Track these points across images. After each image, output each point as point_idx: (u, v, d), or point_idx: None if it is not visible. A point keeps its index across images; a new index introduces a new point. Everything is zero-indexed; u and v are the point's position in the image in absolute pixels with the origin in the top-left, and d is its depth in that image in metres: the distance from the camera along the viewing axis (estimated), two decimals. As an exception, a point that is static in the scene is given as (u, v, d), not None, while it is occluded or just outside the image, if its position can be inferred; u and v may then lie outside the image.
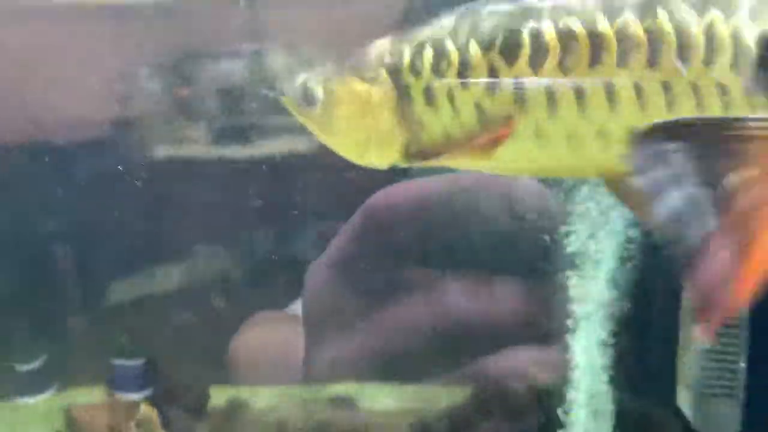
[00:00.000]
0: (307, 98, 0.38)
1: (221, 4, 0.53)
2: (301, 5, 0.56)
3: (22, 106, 0.62)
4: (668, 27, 0.30)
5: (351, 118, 0.37)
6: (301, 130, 0.40)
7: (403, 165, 0.38)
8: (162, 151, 0.66)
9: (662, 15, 0.30)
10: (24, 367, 0.77)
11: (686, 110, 0.30)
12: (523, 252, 0.63)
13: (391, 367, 0.69)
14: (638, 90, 0.31)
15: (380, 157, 0.38)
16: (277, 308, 0.76)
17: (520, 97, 0.33)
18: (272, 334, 0.77)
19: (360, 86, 0.36)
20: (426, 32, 0.35)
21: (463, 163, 0.36)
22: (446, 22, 0.35)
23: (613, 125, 0.32)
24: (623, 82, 0.31)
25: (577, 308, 0.65)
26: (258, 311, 0.75)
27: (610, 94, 0.31)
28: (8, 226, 0.68)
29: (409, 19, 0.55)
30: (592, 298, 0.63)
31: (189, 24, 0.57)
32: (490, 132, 0.34)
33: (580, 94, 0.32)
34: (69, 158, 0.65)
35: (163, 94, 0.65)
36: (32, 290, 0.72)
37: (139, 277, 0.74)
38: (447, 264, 0.66)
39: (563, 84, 0.32)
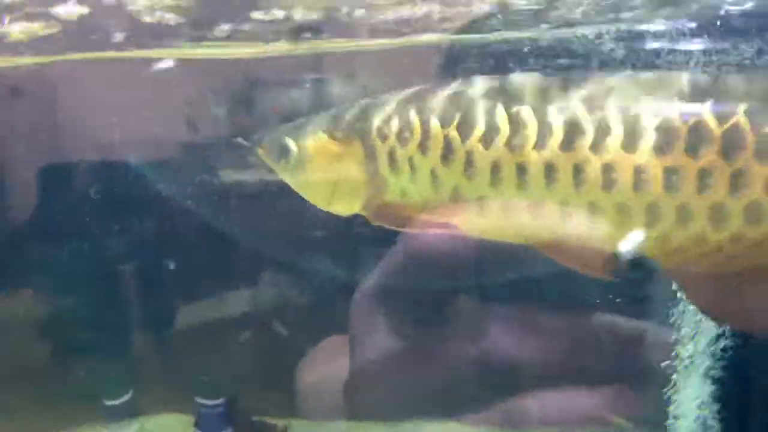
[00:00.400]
0: (282, 151, 0.43)
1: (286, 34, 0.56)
2: (360, 37, 0.58)
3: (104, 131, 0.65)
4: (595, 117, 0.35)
5: (321, 172, 0.42)
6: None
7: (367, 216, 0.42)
8: (227, 177, 0.68)
9: (610, 107, 0.35)
10: (112, 402, 0.78)
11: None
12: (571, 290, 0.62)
13: (434, 400, 0.69)
14: (577, 171, 0.35)
15: (344, 208, 0.43)
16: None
17: (469, 169, 0.37)
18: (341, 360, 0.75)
19: (331, 144, 0.41)
20: (394, 103, 0.40)
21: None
22: (412, 95, 0.40)
23: (548, 199, 0.36)
24: (563, 163, 0.35)
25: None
26: (326, 336, 0.74)
27: (550, 172, 0.36)
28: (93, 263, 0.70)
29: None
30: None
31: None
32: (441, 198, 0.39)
33: (522, 170, 0.36)
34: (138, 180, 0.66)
35: (228, 120, 0.67)
36: (116, 320, 0.74)
37: (210, 306, 0.75)
38: (489, 300, 0.67)
39: (510, 161, 0.36)
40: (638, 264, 0.36)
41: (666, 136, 0.33)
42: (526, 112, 0.36)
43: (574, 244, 0.36)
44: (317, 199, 0.43)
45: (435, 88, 0.40)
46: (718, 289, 0.35)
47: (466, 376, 0.69)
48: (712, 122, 0.32)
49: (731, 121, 0.32)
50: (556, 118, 0.35)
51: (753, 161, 0.32)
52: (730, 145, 0.32)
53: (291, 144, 0.42)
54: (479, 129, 0.37)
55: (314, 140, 0.42)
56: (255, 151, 0.45)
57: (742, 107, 0.32)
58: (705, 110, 0.33)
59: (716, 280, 0.35)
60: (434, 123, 0.38)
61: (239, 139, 0.46)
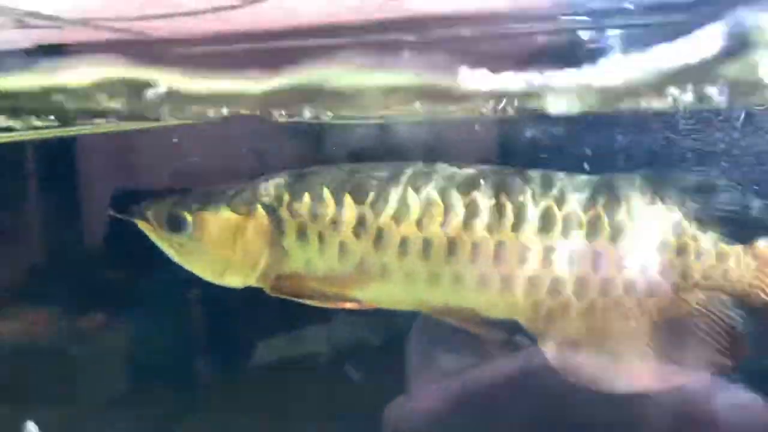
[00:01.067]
0: (174, 224, 0.41)
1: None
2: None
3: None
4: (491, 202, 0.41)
5: (218, 246, 0.41)
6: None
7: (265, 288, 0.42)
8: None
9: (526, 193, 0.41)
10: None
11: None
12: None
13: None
14: (474, 247, 0.40)
15: (239, 280, 0.42)
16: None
17: (379, 243, 0.40)
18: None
19: (233, 217, 0.41)
20: (306, 180, 0.42)
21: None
22: (322, 174, 0.42)
23: (446, 273, 0.41)
24: (463, 240, 0.40)
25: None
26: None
27: (453, 247, 0.40)
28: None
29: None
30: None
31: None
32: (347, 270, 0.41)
33: (427, 245, 0.40)
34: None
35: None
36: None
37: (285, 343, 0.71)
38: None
39: (418, 236, 0.40)
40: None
41: (548, 220, 0.40)
42: (434, 194, 0.40)
43: (464, 310, 0.41)
44: (208, 272, 0.42)
45: (348, 167, 0.42)
46: (574, 354, 0.42)
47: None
48: (579, 212, 0.40)
49: (593, 211, 0.41)
50: (458, 200, 0.40)
51: (608, 243, 0.40)
52: (593, 229, 0.40)
53: (186, 216, 0.41)
54: (391, 207, 0.40)
55: (214, 214, 0.41)
56: (133, 222, 0.42)
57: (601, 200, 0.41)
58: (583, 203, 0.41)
59: (574, 345, 0.42)
60: (348, 200, 0.40)
61: (111, 211, 0.43)
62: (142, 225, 0.42)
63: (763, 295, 0.40)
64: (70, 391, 0.69)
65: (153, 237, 0.42)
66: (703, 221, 0.40)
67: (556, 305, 0.41)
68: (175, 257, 0.42)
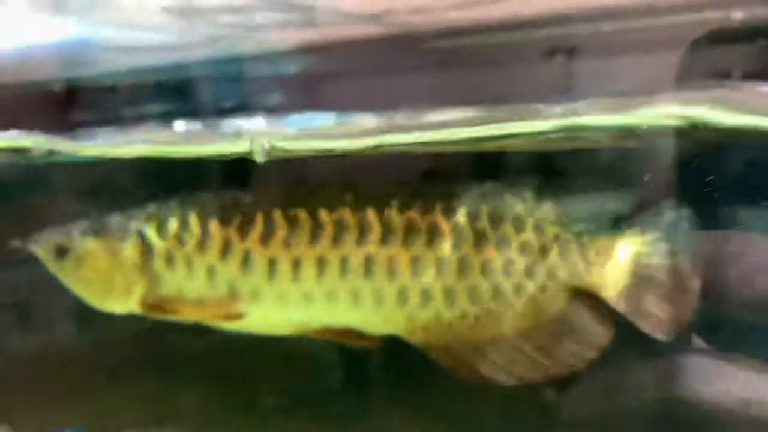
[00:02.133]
0: (58, 252, 0.44)
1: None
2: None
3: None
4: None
5: (97, 271, 0.43)
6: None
7: (142, 313, 0.44)
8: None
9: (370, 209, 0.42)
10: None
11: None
12: None
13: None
14: (343, 262, 0.41)
15: (119, 305, 0.44)
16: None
17: (246, 266, 0.42)
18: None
19: (108, 245, 0.43)
20: (172, 206, 0.44)
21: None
22: (191, 201, 0.44)
23: (318, 289, 0.42)
24: (332, 256, 0.41)
25: None
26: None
27: (320, 265, 0.41)
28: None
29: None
30: None
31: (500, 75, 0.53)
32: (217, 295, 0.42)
33: (296, 265, 0.41)
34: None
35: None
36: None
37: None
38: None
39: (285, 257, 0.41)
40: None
41: (412, 232, 0.41)
42: (301, 213, 0.41)
43: (338, 326, 0.42)
44: (91, 297, 0.44)
45: (214, 194, 0.44)
46: (452, 356, 0.43)
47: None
48: (443, 222, 0.41)
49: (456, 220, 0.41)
50: (326, 216, 0.41)
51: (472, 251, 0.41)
52: (458, 239, 0.41)
53: (67, 244, 0.43)
54: (258, 228, 0.41)
55: (90, 241, 0.43)
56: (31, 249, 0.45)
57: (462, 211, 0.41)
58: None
59: (450, 350, 0.42)
60: (213, 224, 0.42)
61: (14, 242, 0.45)
62: (37, 252, 0.44)
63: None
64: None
65: (47, 264, 0.44)
66: (568, 221, 0.41)
67: (428, 316, 0.41)
68: (66, 282, 0.44)
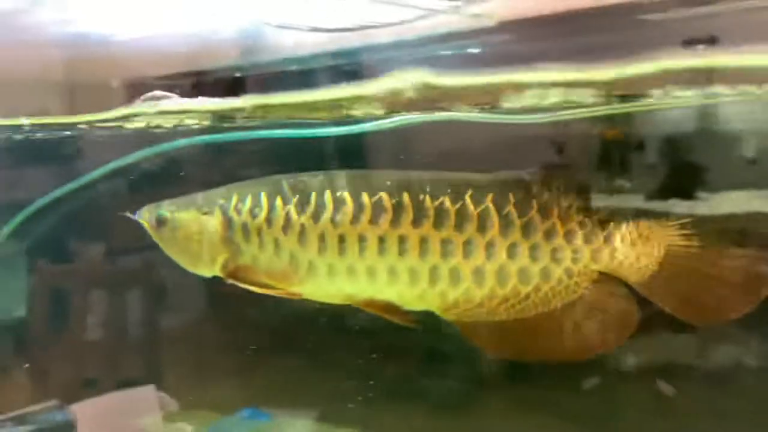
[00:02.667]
0: (159, 222, 0.52)
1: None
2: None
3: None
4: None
5: (189, 239, 0.51)
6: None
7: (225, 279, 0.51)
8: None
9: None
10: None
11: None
12: None
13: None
14: (380, 241, 0.46)
15: (206, 270, 0.51)
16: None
17: (302, 240, 0.48)
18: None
19: (198, 217, 0.51)
20: (249, 186, 0.51)
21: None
22: (265, 182, 0.51)
23: (360, 264, 0.47)
24: (371, 235, 0.46)
25: None
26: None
27: (362, 241, 0.46)
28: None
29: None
30: None
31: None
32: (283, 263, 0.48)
33: (342, 240, 0.47)
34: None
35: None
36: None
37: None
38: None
39: (332, 233, 0.47)
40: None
41: (441, 215, 0.45)
42: (346, 194, 0.47)
43: (381, 300, 0.47)
44: (185, 261, 0.52)
45: (282, 177, 0.50)
46: (487, 333, 0.46)
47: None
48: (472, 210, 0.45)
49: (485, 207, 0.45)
50: (365, 199, 0.46)
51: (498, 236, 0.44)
52: (484, 225, 0.44)
53: (164, 216, 0.52)
54: (311, 206, 0.47)
55: (185, 214, 0.51)
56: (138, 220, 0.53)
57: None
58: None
59: (483, 327, 0.46)
60: (278, 202, 0.48)
61: (126, 213, 0.54)
62: (142, 222, 0.53)
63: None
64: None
65: (150, 232, 0.53)
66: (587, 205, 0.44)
67: (459, 294, 0.45)
68: (164, 249, 0.53)
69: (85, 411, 0.85)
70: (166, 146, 0.69)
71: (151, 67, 0.76)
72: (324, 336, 0.78)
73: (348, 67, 0.62)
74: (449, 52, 0.58)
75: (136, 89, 0.76)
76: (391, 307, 0.47)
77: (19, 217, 0.74)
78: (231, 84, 0.67)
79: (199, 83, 0.70)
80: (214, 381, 0.89)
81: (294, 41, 0.66)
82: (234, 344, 0.87)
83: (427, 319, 0.48)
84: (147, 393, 0.88)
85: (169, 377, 0.91)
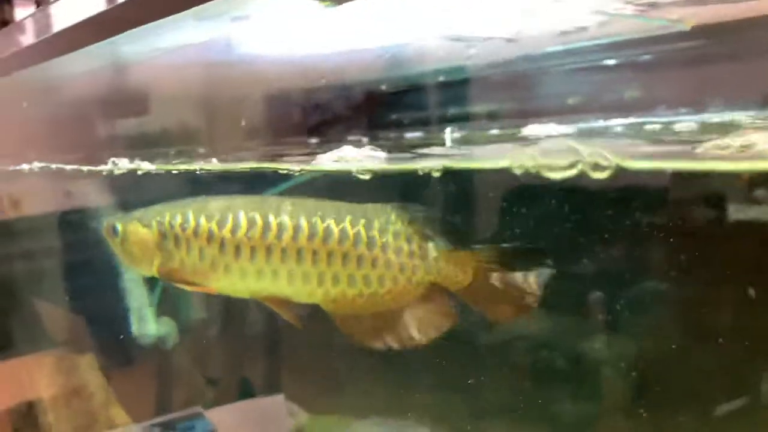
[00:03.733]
0: (112, 232, 0.64)
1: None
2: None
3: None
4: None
5: (132, 246, 0.63)
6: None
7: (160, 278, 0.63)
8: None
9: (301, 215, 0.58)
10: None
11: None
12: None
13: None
14: (283, 251, 0.58)
15: (147, 270, 0.63)
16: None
17: (221, 249, 0.59)
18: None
19: (140, 228, 0.62)
20: (180, 205, 0.61)
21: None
22: (194, 203, 0.62)
23: (267, 270, 0.58)
24: (276, 246, 0.58)
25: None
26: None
27: (269, 251, 0.58)
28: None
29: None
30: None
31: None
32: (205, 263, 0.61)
33: (253, 251, 0.58)
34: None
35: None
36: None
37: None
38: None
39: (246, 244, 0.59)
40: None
41: (327, 233, 0.57)
42: (257, 215, 0.58)
43: (279, 296, 0.58)
44: (130, 263, 0.65)
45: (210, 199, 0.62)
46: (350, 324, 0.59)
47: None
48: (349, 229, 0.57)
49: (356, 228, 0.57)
50: (272, 219, 0.58)
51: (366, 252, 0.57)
52: (357, 243, 0.56)
53: (118, 226, 0.63)
54: (229, 223, 0.58)
55: (130, 226, 0.63)
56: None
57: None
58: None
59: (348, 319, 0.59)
60: (202, 219, 0.59)
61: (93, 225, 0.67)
62: (102, 231, 0.64)
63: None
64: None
65: (107, 240, 0.64)
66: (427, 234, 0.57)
67: (337, 293, 0.57)
68: (116, 253, 0.64)
69: (219, 419, 0.90)
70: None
71: (292, 81, 0.79)
72: (445, 351, 0.76)
73: (503, 77, 0.66)
74: (624, 59, 0.59)
75: (276, 103, 0.81)
76: (284, 302, 0.59)
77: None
78: (377, 97, 0.74)
79: (341, 97, 0.75)
80: (335, 390, 0.87)
81: (446, 51, 0.68)
82: (351, 354, 0.85)
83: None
84: (276, 402, 0.90)
85: (293, 385, 0.92)
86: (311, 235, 0.57)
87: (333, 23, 0.67)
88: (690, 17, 0.52)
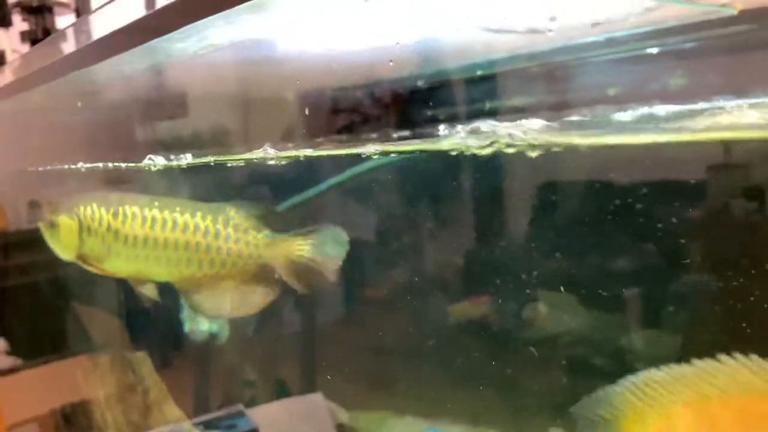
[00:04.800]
0: (49, 224, 0.75)
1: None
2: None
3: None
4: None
5: (62, 236, 0.74)
6: None
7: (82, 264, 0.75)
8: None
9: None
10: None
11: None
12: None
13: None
14: (155, 240, 0.72)
15: (70, 257, 0.75)
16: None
17: (114, 237, 0.72)
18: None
19: (66, 219, 0.74)
20: (94, 199, 0.74)
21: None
22: (100, 196, 0.75)
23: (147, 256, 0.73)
24: (152, 236, 0.72)
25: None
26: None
27: (146, 239, 0.72)
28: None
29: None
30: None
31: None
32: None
33: (135, 240, 0.72)
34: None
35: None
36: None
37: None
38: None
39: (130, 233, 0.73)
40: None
41: (186, 226, 0.71)
42: (144, 210, 0.72)
43: (149, 275, 0.73)
44: (59, 251, 0.76)
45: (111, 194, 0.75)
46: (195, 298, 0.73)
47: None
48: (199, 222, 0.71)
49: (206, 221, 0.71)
50: (150, 213, 0.71)
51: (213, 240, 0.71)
52: (204, 233, 0.71)
53: (52, 218, 0.75)
54: (121, 216, 0.72)
55: (60, 218, 0.74)
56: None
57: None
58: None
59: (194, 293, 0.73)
60: (104, 212, 0.73)
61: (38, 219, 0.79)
62: (40, 225, 0.76)
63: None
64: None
65: (43, 230, 0.76)
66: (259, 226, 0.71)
67: (190, 273, 0.71)
68: (49, 244, 0.76)
69: (260, 417, 0.91)
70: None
71: (326, 78, 0.79)
72: (481, 348, 0.78)
73: (542, 69, 0.65)
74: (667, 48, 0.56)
75: (311, 101, 0.82)
76: (143, 281, 0.74)
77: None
78: (412, 93, 0.75)
79: (377, 93, 0.76)
80: (372, 388, 0.87)
81: (483, 44, 0.67)
82: (388, 352, 0.85)
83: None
84: (316, 401, 0.90)
85: (331, 384, 0.92)
86: (173, 227, 0.72)
87: (367, 17, 0.66)
88: (738, 1, 0.50)
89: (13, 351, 1.55)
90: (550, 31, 0.58)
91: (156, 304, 0.76)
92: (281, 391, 0.95)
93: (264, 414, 0.92)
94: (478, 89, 0.73)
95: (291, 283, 0.70)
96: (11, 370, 1.51)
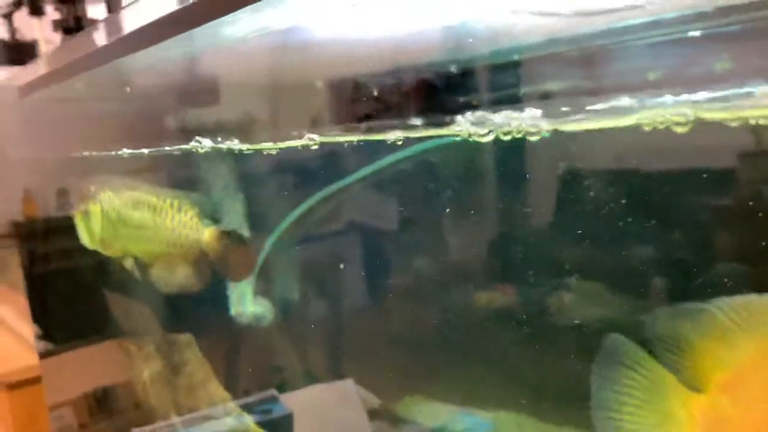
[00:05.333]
0: (85, 214, 0.89)
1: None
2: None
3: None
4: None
5: (93, 224, 0.89)
6: None
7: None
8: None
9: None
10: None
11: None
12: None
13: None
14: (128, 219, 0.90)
15: (93, 245, 0.91)
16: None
17: (121, 220, 0.88)
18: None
19: (96, 207, 0.88)
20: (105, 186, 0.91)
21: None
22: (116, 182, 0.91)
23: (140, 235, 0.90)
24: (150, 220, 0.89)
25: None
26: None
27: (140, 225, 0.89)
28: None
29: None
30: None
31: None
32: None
33: (131, 222, 0.90)
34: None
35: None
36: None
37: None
38: None
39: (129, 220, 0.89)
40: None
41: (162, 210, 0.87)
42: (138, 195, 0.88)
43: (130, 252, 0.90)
44: (86, 240, 0.93)
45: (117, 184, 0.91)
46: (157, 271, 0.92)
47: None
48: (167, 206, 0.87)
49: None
50: (149, 203, 0.87)
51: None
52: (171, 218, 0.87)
53: (80, 207, 0.89)
54: (117, 204, 0.88)
55: (91, 207, 0.90)
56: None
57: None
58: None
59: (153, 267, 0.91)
60: (114, 197, 0.87)
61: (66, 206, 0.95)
62: (75, 215, 0.94)
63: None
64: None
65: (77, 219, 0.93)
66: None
67: (158, 250, 0.87)
68: (79, 231, 0.92)
69: (293, 403, 0.91)
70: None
71: (354, 66, 0.78)
72: (511, 336, 0.75)
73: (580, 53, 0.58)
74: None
75: (339, 88, 0.81)
76: (126, 254, 0.90)
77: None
78: (447, 79, 0.67)
79: (409, 79, 0.70)
80: (402, 375, 0.88)
81: (524, 28, 0.61)
82: (417, 340, 0.85)
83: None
84: (347, 387, 0.91)
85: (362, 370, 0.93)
86: (160, 212, 0.86)
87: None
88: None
89: (45, 336, 1.59)
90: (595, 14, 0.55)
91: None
92: (312, 377, 0.96)
93: (297, 399, 0.93)
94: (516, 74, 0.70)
95: (220, 271, 0.88)
96: (44, 354, 1.54)
